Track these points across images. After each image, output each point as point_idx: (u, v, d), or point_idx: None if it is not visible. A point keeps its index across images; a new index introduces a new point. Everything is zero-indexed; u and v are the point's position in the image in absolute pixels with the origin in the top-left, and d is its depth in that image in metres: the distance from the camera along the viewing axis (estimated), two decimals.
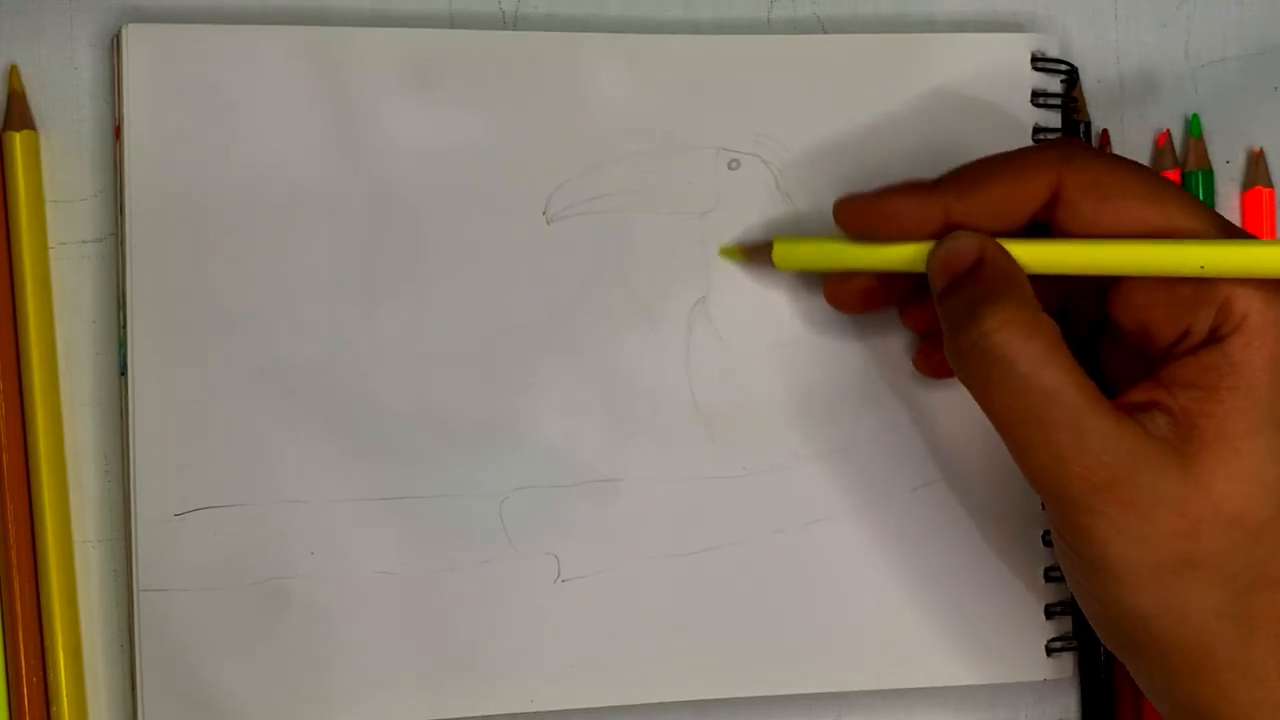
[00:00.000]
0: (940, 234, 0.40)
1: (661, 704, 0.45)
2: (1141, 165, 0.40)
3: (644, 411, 0.45)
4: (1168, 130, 0.49)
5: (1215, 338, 0.37)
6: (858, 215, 0.41)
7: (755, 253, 0.45)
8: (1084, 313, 0.42)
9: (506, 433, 0.44)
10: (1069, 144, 0.40)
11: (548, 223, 0.45)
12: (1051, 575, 0.46)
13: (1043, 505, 0.39)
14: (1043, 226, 0.40)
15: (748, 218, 0.46)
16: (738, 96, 0.46)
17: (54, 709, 0.43)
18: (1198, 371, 0.37)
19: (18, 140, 0.43)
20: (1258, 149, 0.49)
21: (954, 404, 0.46)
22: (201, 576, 0.43)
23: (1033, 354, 0.37)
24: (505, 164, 0.45)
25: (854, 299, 0.44)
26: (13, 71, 0.44)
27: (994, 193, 0.40)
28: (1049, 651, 0.47)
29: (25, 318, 0.43)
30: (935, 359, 0.44)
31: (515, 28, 0.46)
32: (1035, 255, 0.40)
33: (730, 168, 0.46)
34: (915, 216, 0.40)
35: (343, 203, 0.44)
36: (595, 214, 0.45)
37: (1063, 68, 0.47)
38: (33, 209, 0.43)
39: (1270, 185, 0.49)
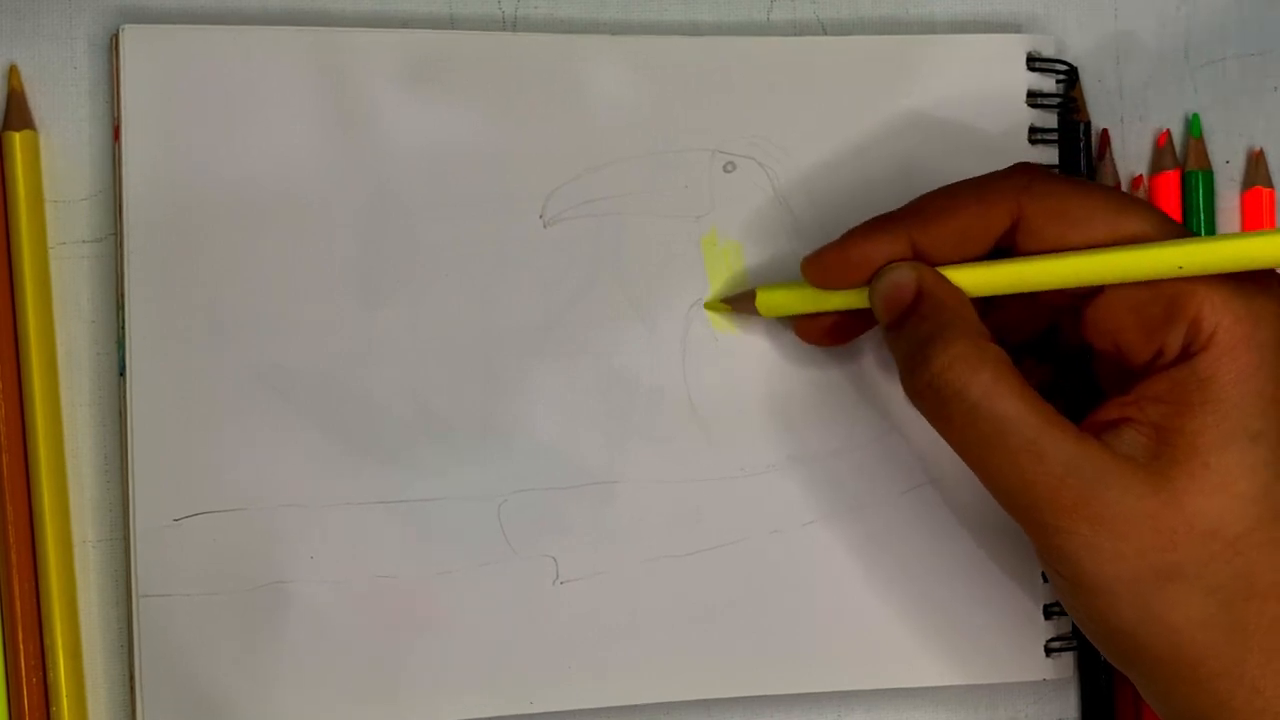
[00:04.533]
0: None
1: (660, 704, 0.46)
2: (1102, 185, 0.40)
3: (641, 414, 0.45)
4: (1168, 130, 0.49)
5: (1186, 355, 0.37)
6: (826, 268, 0.41)
7: (738, 302, 0.45)
8: (1072, 329, 0.42)
9: (504, 436, 0.44)
10: (1029, 171, 0.40)
11: (544, 226, 0.45)
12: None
13: None
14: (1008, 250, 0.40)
15: (744, 220, 0.46)
16: (735, 98, 0.46)
17: (54, 709, 0.43)
18: (1168, 387, 0.37)
19: (18, 140, 0.43)
20: (1258, 149, 0.49)
21: None
22: (201, 581, 0.43)
23: (983, 385, 0.37)
24: (503, 167, 0.45)
25: (822, 334, 0.44)
26: (13, 71, 0.44)
27: (955, 223, 0.40)
28: (1048, 651, 0.47)
29: (25, 318, 0.43)
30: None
31: (515, 29, 0.46)
32: (985, 278, 0.39)
33: (726, 170, 0.46)
34: (882, 255, 0.40)
35: (341, 204, 0.44)
36: (592, 217, 0.45)
37: (1060, 68, 0.47)
38: (32, 209, 0.43)
39: (1270, 185, 0.49)
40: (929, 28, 0.48)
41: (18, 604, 0.42)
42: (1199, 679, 0.37)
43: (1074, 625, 0.47)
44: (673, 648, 0.45)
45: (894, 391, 0.46)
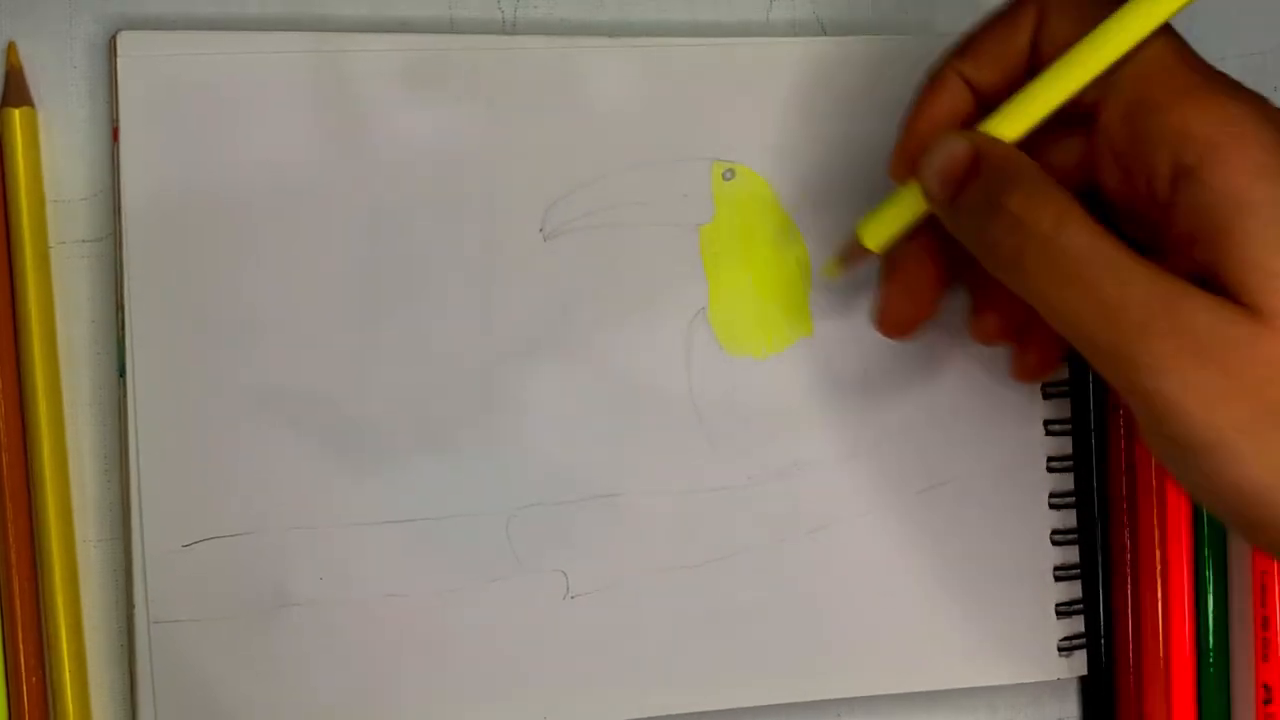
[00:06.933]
0: (973, 108, 0.40)
1: (674, 715, 0.45)
2: None
3: (647, 424, 0.45)
4: None
5: (1191, 174, 0.35)
6: (906, 153, 0.41)
7: (847, 254, 0.43)
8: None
9: (511, 450, 0.44)
10: None
11: (544, 239, 0.44)
12: (1060, 575, 0.47)
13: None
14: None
15: (744, 227, 0.46)
16: (734, 100, 0.46)
17: (54, 709, 0.41)
18: (1193, 223, 0.35)
19: (17, 116, 0.42)
20: None
21: (957, 406, 0.46)
22: (210, 605, 0.42)
23: (1060, 220, 0.36)
24: (502, 174, 0.44)
25: (907, 318, 0.43)
26: (11, 48, 0.43)
27: (991, 36, 0.40)
28: (1060, 651, 0.47)
29: (27, 317, 0.42)
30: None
31: (515, 32, 0.46)
32: (1023, 110, 0.39)
33: (725, 178, 0.45)
34: (946, 111, 0.40)
35: (340, 208, 0.43)
36: (592, 228, 0.45)
37: None
38: (32, 189, 0.42)
39: None
40: (928, 29, 0.48)
41: (17, 605, 0.41)
42: None
43: (1085, 623, 0.47)
44: (684, 659, 0.44)
45: (898, 395, 0.46)
